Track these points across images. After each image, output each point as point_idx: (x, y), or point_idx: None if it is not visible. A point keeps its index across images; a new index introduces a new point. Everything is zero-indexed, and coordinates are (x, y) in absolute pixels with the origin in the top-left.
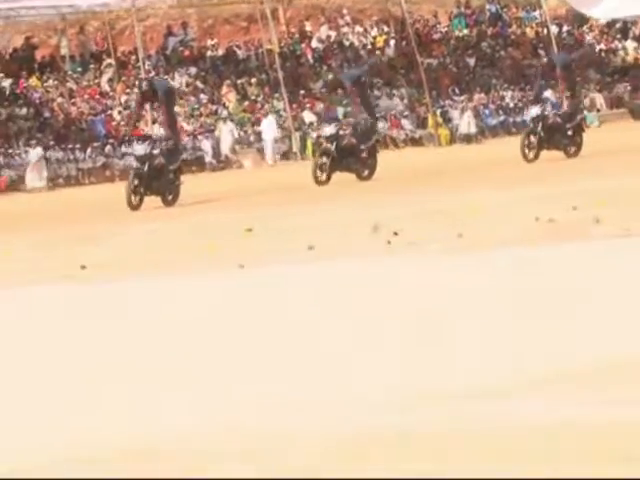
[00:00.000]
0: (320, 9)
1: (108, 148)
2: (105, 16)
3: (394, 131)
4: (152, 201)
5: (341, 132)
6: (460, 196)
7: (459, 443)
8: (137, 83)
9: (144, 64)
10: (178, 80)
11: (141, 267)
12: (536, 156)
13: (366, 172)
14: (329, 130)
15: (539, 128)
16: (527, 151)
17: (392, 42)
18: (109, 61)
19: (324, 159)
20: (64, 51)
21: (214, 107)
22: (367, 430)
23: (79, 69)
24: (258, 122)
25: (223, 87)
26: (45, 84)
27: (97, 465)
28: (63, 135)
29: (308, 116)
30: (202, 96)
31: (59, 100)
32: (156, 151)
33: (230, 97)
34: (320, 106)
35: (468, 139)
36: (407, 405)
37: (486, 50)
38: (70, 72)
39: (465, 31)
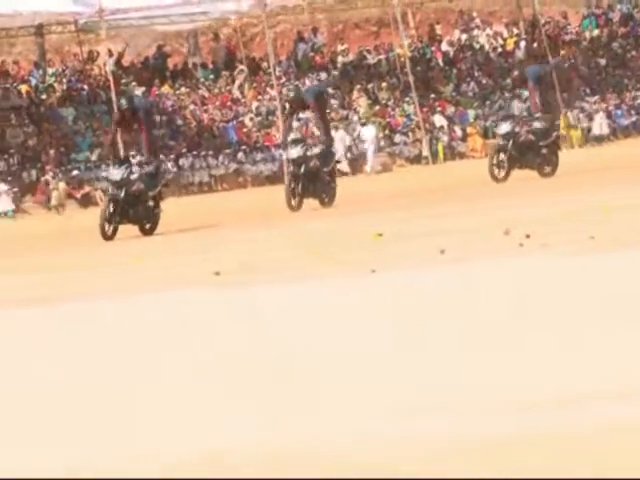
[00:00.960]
0: (450, 12)
1: (240, 154)
2: (236, 23)
3: None
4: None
5: (309, 153)
6: (593, 197)
7: (604, 445)
8: (117, 101)
9: (275, 70)
10: (309, 86)
11: (275, 272)
12: (506, 175)
13: (327, 198)
14: (296, 152)
15: (509, 146)
16: (496, 170)
17: (522, 44)
18: (240, 68)
19: (293, 184)
20: (196, 58)
21: (345, 112)
22: (515, 430)
23: (211, 76)
24: (389, 126)
25: (354, 92)
26: (177, 92)
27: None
28: (196, 142)
29: (439, 119)
30: (333, 101)
31: (191, 107)
32: (134, 176)
33: (361, 102)
34: (451, 109)
35: (600, 140)
36: (553, 406)
37: (617, 50)
38: (202, 79)
39: (596, 32)
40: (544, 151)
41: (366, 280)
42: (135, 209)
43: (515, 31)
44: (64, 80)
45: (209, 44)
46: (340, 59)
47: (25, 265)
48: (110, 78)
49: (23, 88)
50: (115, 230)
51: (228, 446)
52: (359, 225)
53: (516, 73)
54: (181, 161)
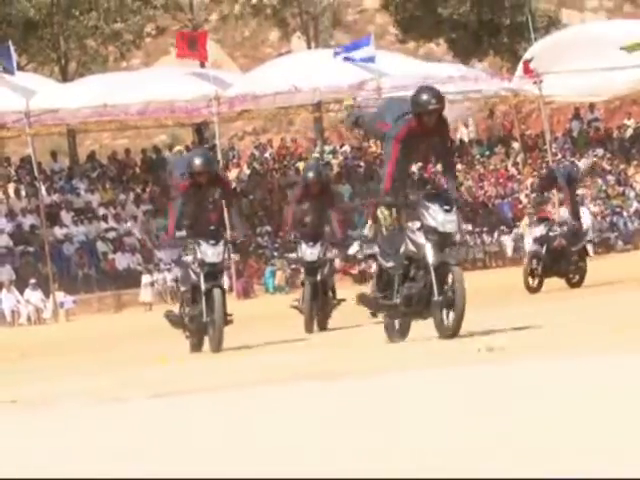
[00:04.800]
0: None
1: (515, 231)
2: (511, 100)
3: None
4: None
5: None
6: None
7: None
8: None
9: (551, 147)
10: (584, 162)
11: (553, 347)
12: (539, 285)
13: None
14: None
15: (544, 251)
16: (531, 279)
17: None
18: (515, 144)
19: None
20: (472, 135)
21: (621, 188)
22: None
23: (486, 153)
24: None
25: (630, 168)
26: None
27: None
28: (471, 219)
29: None
30: (609, 177)
31: (467, 184)
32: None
33: (638, 178)
34: None
35: None
36: None
37: None
38: (478, 156)
39: None
40: (575, 258)
41: None
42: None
43: None
44: (341, 157)
45: (485, 120)
46: (616, 134)
47: (308, 342)
48: None
49: (301, 165)
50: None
51: None
52: None
53: (544, 172)
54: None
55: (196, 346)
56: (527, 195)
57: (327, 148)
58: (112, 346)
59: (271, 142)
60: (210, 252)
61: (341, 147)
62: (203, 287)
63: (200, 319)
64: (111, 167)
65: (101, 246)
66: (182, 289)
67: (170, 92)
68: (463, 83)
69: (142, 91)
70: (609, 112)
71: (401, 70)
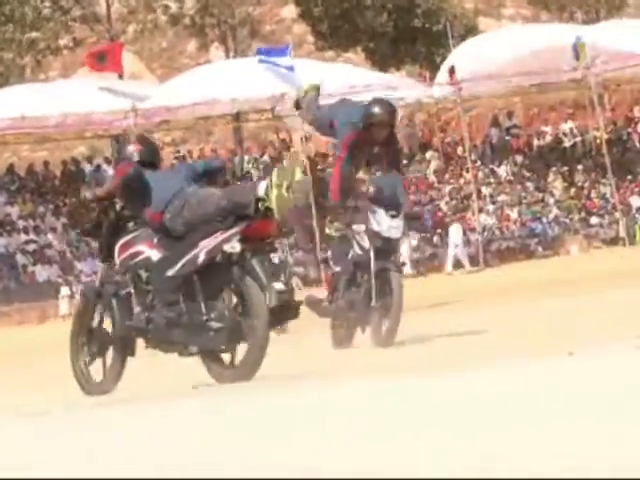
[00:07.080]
0: None
1: (436, 238)
2: (432, 108)
3: None
4: None
5: None
6: None
7: None
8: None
9: (470, 154)
10: (504, 169)
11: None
12: None
13: None
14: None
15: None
16: None
17: None
18: (435, 152)
19: None
20: None
21: (541, 195)
22: None
23: (405, 161)
24: (585, 209)
25: (549, 175)
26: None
27: None
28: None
29: (635, 201)
30: (528, 184)
31: None
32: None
33: (556, 184)
34: None
35: None
36: None
37: None
38: None
39: None
40: None
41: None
42: None
43: None
44: (260, 167)
45: (405, 128)
46: (536, 142)
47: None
48: (307, 165)
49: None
50: None
51: None
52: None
53: None
54: None
55: (346, 339)
56: (447, 202)
57: (247, 158)
58: (33, 361)
59: (191, 153)
60: (387, 224)
61: (261, 157)
62: (373, 266)
63: (363, 304)
64: (30, 180)
65: (21, 258)
66: (336, 269)
67: (88, 104)
68: (384, 91)
69: (60, 102)
70: (528, 118)
71: (321, 78)
